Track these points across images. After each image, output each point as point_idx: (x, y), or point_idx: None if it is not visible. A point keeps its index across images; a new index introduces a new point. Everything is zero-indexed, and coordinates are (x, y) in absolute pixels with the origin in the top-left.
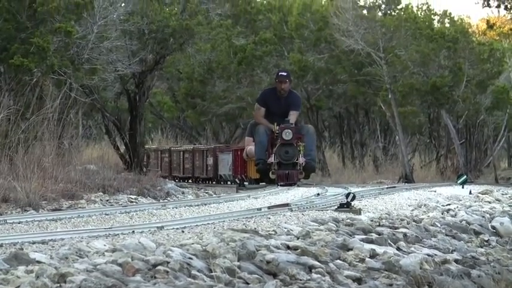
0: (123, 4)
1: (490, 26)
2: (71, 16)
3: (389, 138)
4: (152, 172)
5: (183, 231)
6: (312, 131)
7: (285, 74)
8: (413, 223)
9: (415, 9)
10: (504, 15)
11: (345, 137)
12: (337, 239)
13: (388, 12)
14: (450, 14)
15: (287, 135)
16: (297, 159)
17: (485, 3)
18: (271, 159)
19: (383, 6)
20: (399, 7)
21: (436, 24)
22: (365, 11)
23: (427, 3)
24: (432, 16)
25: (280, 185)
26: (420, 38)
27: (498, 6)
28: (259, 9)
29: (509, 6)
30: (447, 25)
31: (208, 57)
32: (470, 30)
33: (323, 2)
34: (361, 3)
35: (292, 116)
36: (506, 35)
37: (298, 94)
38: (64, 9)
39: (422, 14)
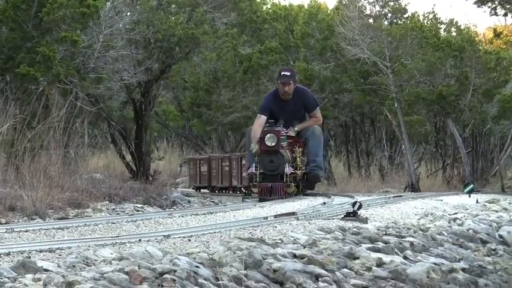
0: (129, 13)
1: (497, 34)
2: (76, 25)
3: (396, 147)
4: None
5: (189, 240)
6: (317, 133)
7: (288, 73)
8: (420, 232)
9: (421, 18)
10: (511, 23)
11: (351, 146)
12: (343, 247)
13: (394, 21)
14: (456, 22)
15: (270, 140)
16: (283, 170)
17: (492, 11)
18: (252, 170)
19: (389, 15)
20: (405, 16)
21: (442, 33)
22: (371, 20)
23: (433, 12)
24: (438, 25)
25: (262, 200)
26: (426, 47)
27: (505, 15)
28: (265, 18)
29: None
30: (453, 34)
31: (214, 66)
32: (476, 39)
33: (329, 11)
34: (367, 12)
35: (313, 120)
36: None
37: (305, 89)
38: (70, 18)
39: (429, 22)
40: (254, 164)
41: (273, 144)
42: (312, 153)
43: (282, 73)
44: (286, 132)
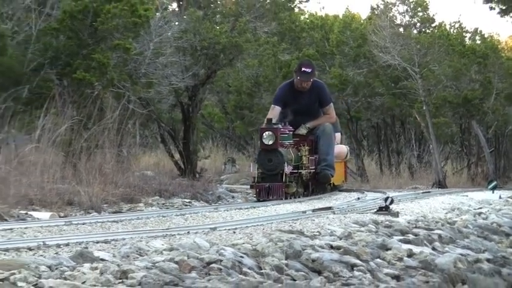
0: (177, 23)
1: None
2: (129, 34)
3: (424, 147)
4: (204, 178)
5: (234, 232)
6: (328, 131)
7: (309, 70)
8: (448, 225)
9: (448, 27)
10: None
11: (382, 146)
12: (376, 239)
13: (423, 30)
14: (481, 31)
15: (268, 139)
16: (282, 169)
17: None
18: (251, 169)
19: (418, 24)
20: (433, 25)
21: (467, 41)
22: (401, 29)
23: (459, 21)
24: (464, 34)
25: (260, 201)
26: (453, 54)
27: None
28: (303, 27)
29: None
30: (478, 42)
31: (255, 72)
32: (499, 46)
33: (362, 21)
34: (398, 21)
35: (326, 117)
36: None
37: (322, 83)
38: (123, 27)
39: (455, 31)
40: (252, 164)
41: (271, 142)
42: (322, 152)
43: (303, 69)
44: (290, 131)
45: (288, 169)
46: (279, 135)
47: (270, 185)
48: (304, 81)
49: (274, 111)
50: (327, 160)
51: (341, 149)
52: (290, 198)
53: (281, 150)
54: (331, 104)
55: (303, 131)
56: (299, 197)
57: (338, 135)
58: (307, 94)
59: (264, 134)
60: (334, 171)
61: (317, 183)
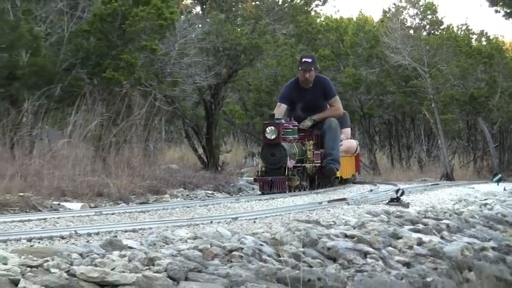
0: (200, 25)
1: None
2: (155, 36)
3: (432, 141)
4: (225, 171)
5: (254, 222)
6: (334, 126)
7: (309, 60)
8: (455, 215)
9: (455, 29)
10: None
11: (393, 141)
12: (388, 229)
13: (432, 32)
14: (486, 33)
15: (271, 133)
16: (285, 163)
17: None
18: (254, 163)
19: (427, 26)
20: (441, 28)
21: (474, 42)
22: (411, 31)
23: (466, 24)
24: (470, 35)
25: (264, 193)
26: (460, 54)
27: None
28: (319, 29)
29: None
30: (484, 43)
31: (274, 71)
32: (504, 47)
33: (374, 23)
34: (408, 24)
35: (331, 109)
36: None
37: (326, 78)
38: (149, 29)
39: (462, 33)
40: (255, 158)
41: (274, 137)
42: (328, 147)
43: (303, 60)
44: (294, 126)
45: (290, 163)
46: (282, 130)
47: (272, 179)
48: (306, 71)
49: (280, 109)
50: (332, 154)
51: (351, 143)
52: (294, 191)
53: (284, 144)
54: (336, 96)
55: (308, 123)
56: (304, 190)
57: (348, 130)
58: (312, 90)
59: (267, 129)
60: (339, 165)
61: (323, 177)
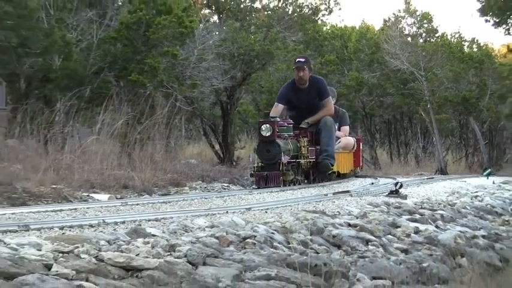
0: (217, 33)
1: (510, 50)
2: (176, 42)
3: (428, 139)
4: (240, 165)
5: (266, 212)
6: (329, 124)
7: (302, 60)
8: (449, 206)
9: (449, 37)
10: None
11: (393, 138)
12: (388, 218)
13: (428, 39)
14: (477, 40)
15: (266, 131)
16: (280, 159)
17: (506, 32)
18: (250, 159)
19: (424, 34)
20: (437, 35)
21: (466, 49)
22: (409, 39)
23: (459, 32)
24: (463, 42)
25: (259, 188)
26: (453, 60)
27: None
28: (325, 37)
29: None
30: (475, 50)
31: (284, 75)
32: (493, 53)
33: (376, 31)
34: (406, 32)
35: (324, 110)
36: None
37: (321, 78)
38: (171, 36)
39: (455, 40)
40: (251, 155)
41: (269, 134)
42: (324, 143)
43: (297, 59)
44: (289, 123)
45: (285, 159)
46: (277, 127)
47: (267, 174)
48: (300, 69)
49: (277, 109)
50: (327, 151)
51: (348, 140)
52: (288, 185)
53: (279, 141)
54: (329, 97)
55: (302, 125)
56: (299, 184)
57: (346, 128)
58: (308, 90)
59: (263, 127)
60: (334, 160)
61: (318, 172)
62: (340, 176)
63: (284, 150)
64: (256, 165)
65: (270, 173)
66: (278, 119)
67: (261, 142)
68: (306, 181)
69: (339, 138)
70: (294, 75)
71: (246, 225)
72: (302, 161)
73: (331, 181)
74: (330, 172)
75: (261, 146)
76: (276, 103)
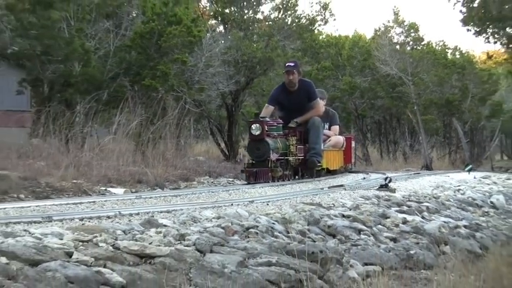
0: (223, 41)
1: (489, 57)
2: (185, 50)
3: (415, 138)
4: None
5: (267, 204)
6: (317, 123)
7: (292, 64)
8: (433, 199)
9: (434, 45)
10: (499, 49)
11: (383, 137)
12: (378, 210)
13: (415, 47)
14: (460, 48)
15: (256, 130)
16: (269, 157)
17: (486, 40)
18: (241, 156)
19: (411, 42)
20: (423, 43)
21: (449, 55)
22: (398, 46)
23: (443, 40)
24: (446, 50)
25: (250, 183)
26: (438, 65)
27: (495, 43)
28: (321, 45)
29: (503, 42)
30: (457, 56)
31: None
32: (474, 60)
33: (367, 40)
34: (395, 40)
35: (313, 111)
36: (501, 64)
37: (310, 81)
38: (181, 45)
39: (439, 48)
40: (241, 152)
41: (258, 133)
42: (312, 142)
43: (287, 64)
44: (279, 123)
45: (273, 156)
46: (267, 127)
47: (257, 170)
48: (290, 73)
49: (268, 110)
50: (315, 149)
51: (338, 139)
52: (277, 181)
53: (268, 140)
54: (318, 99)
55: (291, 125)
56: (288, 180)
57: (336, 127)
58: (297, 92)
59: (253, 126)
60: (321, 158)
61: (306, 168)
62: (331, 173)
63: (273, 148)
64: (246, 162)
65: (259, 170)
66: (268, 119)
67: (252, 141)
68: (297, 177)
69: (329, 137)
70: (284, 79)
71: (249, 217)
72: (291, 158)
73: (321, 177)
74: (318, 169)
75: (252, 144)
76: (266, 104)
